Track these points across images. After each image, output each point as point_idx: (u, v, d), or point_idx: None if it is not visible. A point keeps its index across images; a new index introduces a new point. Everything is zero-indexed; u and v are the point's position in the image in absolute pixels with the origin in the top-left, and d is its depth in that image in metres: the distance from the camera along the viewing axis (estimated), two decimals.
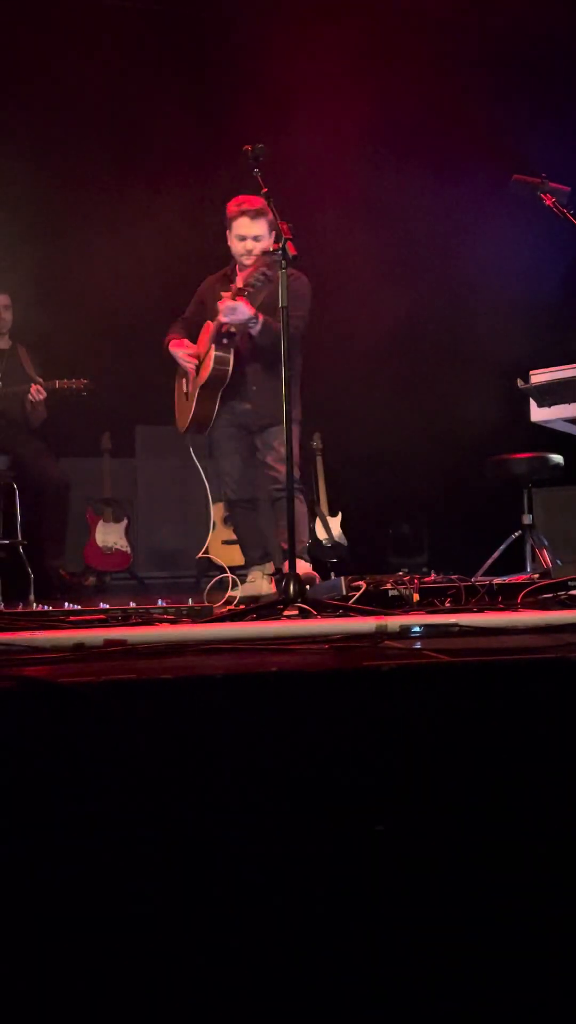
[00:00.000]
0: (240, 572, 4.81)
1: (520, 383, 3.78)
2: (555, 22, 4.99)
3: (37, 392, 4.17)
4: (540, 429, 3.95)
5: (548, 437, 4.14)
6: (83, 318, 5.31)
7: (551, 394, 3.64)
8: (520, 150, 4.75)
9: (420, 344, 5.55)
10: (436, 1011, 1.20)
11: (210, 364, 3.39)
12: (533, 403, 3.79)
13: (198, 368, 3.51)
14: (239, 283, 3.27)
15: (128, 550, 5.45)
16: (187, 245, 5.37)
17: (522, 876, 1.26)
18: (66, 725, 1.16)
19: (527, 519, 4.26)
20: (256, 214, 3.40)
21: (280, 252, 2.52)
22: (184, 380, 3.68)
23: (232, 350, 3.38)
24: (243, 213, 3.41)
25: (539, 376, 3.71)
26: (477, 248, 5.45)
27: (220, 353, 3.36)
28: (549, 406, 3.70)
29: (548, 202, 2.74)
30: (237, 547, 5.46)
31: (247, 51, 5.10)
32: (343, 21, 5.06)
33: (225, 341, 3.36)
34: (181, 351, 3.57)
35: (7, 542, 4.21)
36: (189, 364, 3.53)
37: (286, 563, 3.33)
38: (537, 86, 5.19)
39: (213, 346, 3.38)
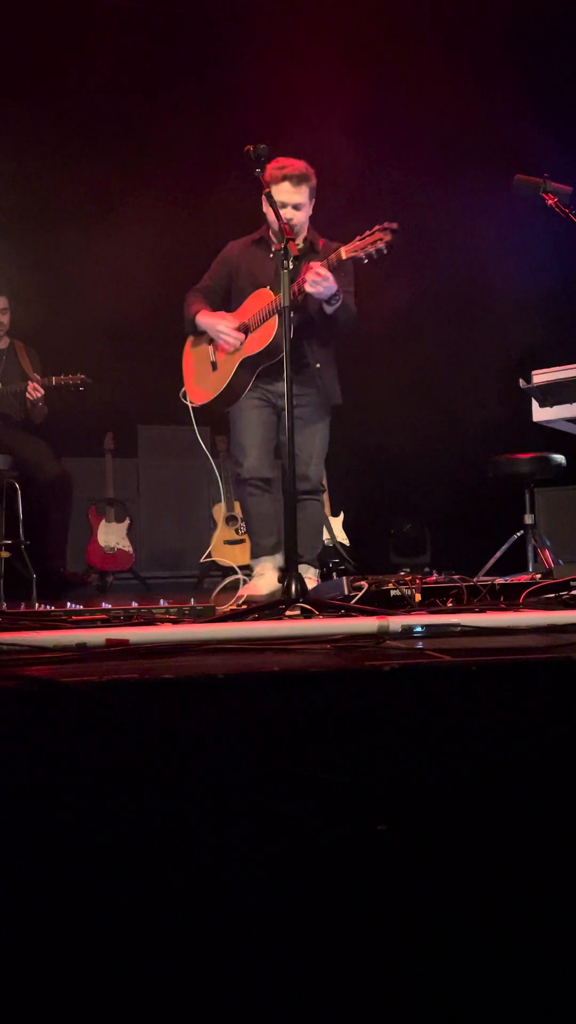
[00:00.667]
0: (243, 568, 4.72)
1: (522, 383, 3.79)
2: (557, 19, 4.98)
3: (35, 389, 4.17)
4: (542, 429, 3.96)
5: (550, 437, 4.15)
6: (85, 318, 5.32)
7: (553, 394, 3.64)
8: (522, 149, 4.75)
9: (422, 344, 5.55)
10: (439, 1015, 1.20)
11: (269, 337, 3.13)
12: (535, 403, 3.79)
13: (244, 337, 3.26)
14: (344, 255, 3.01)
15: (130, 550, 5.45)
16: (189, 243, 5.37)
17: (524, 876, 1.26)
18: (68, 725, 1.16)
19: (529, 519, 4.26)
20: (299, 179, 3.18)
21: (283, 252, 2.50)
22: (211, 348, 3.42)
23: (294, 325, 3.11)
24: (286, 178, 3.16)
25: (541, 376, 3.71)
26: (479, 248, 5.45)
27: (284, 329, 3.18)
28: (551, 406, 3.71)
29: (550, 202, 2.74)
30: (240, 547, 5.49)
31: (248, 48, 5.11)
32: (347, 19, 5.06)
33: (292, 313, 3.10)
34: (222, 323, 3.27)
35: (9, 542, 4.22)
36: (230, 337, 3.25)
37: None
38: (540, 85, 5.19)
39: (277, 316, 3.09)
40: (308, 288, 3.03)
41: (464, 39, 5.20)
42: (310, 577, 3.23)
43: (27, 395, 4.21)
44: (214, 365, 3.36)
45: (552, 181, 2.76)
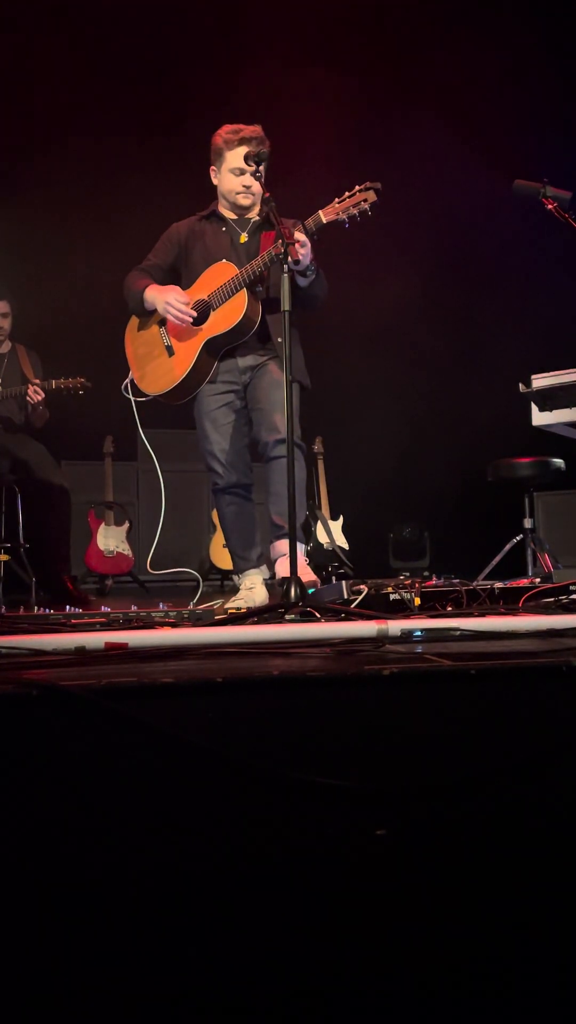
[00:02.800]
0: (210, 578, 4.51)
1: (522, 387, 3.79)
2: (558, 27, 5.00)
3: (35, 392, 4.17)
4: (542, 433, 3.96)
5: (549, 441, 4.15)
6: (86, 322, 5.32)
7: (552, 398, 3.64)
8: (522, 154, 4.76)
9: (422, 349, 5.56)
10: (440, 1019, 1.20)
11: (239, 313, 2.87)
12: (535, 407, 3.79)
13: (204, 318, 2.99)
14: (324, 218, 2.74)
15: (129, 553, 5.45)
16: None
17: (524, 880, 1.26)
18: (67, 728, 1.16)
19: (528, 523, 4.27)
20: (258, 143, 2.94)
21: (283, 255, 2.47)
22: (163, 331, 3.12)
23: (261, 297, 2.87)
24: (244, 142, 2.93)
25: (541, 380, 3.71)
26: (480, 254, 5.46)
27: (254, 301, 2.87)
28: (551, 410, 3.71)
29: (550, 206, 2.74)
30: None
31: (253, 46, 5.11)
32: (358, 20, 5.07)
33: (259, 288, 2.86)
34: (171, 295, 2.94)
35: (8, 545, 4.22)
36: (180, 312, 2.94)
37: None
38: (541, 91, 5.20)
39: (245, 291, 2.86)
40: (297, 255, 2.69)
41: (470, 39, 5.21)
42: (300, 559, 2.88)
43: (27, 398, 4.21)
44: (170, 350, 3.06)
45: (552, 186, 2.76)
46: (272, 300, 2.94)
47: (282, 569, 2.81)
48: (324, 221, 2.76)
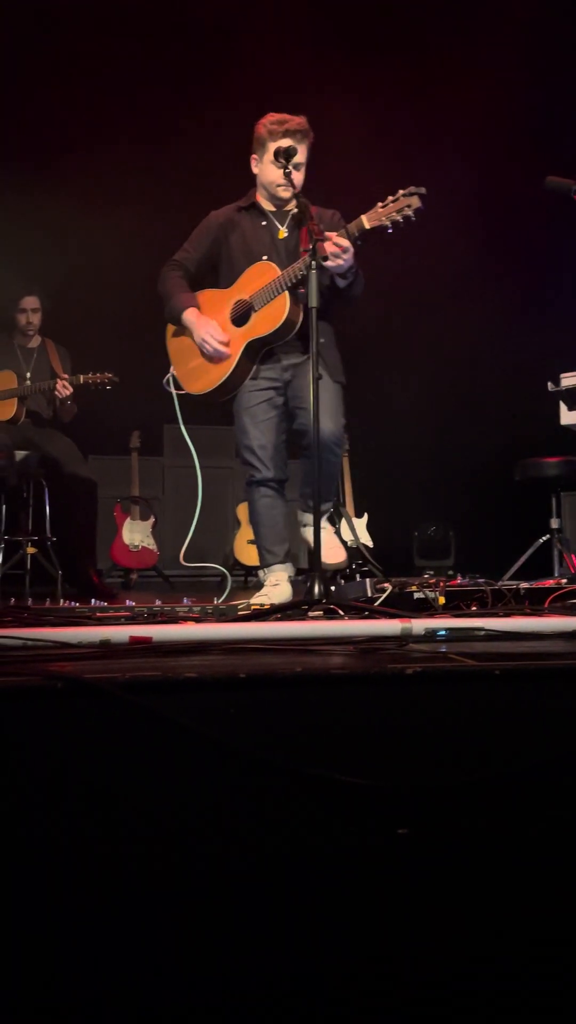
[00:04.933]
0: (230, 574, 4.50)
1: (551, 386, 3.75)
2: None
3: (63, 387, 4.20)
4: (570, 433, 3.92)
5: None
6: (113, 316, 5.35)
7: None
8: (556, 149, 4.71)
9: (449, 345, 5.52)
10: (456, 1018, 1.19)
11: (281, 316, 2.83)
12: (563, 406, 3.75)
13: (241, 319, 2.99)
14: (367, 224, 2.70)
15: (155, 548, 5.48)
16: None
17: (545, 881, 1.25)
18: (91, 721, 1.17)
19: (555, 523, 4.23)
20: (302, 136, 2.90)
21: (311, 252, 2.47)
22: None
23: (302, 302, 2.80)
24: (288, 133, 2.87)
25: (570, 379, 3.68)
26: (509, 250, 5.41)
27: (295, 304, 2.84)
28: None
29: None
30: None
31: (272, 47, 5.10)
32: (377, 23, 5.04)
33: (302, 290, 2.78)
34: (209, 330, 2.96)
35: (35, 539, 4.26)
36: (213, 350, 2.96)
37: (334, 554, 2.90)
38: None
39: (287, 294, 2.82)
40: (326, 263, 2.70)
41: (494, 38, 5.16)
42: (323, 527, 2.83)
43: (56, 393, 4.24)
44: (213, 358, 3.06)
45: None
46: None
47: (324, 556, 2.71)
48: (367, 227, 2.71)
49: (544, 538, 4.22)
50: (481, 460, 5.55)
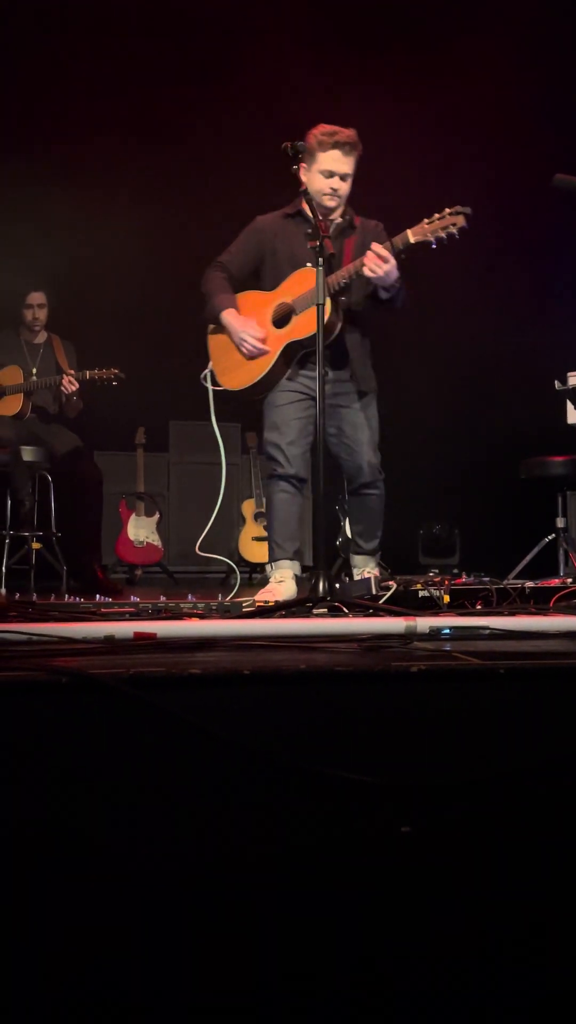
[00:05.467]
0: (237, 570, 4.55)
1: (557, 385, 3.74)
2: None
3: (69, 383, 4.20)
4: None
5: None
6: (118, 313, 5.35)
7: None
8: (566, 146, 4.69)
9: (456, 343, 5.51)
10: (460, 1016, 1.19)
11: (315, 324, 2.91)
12: (570, 405, 3.74)
13: (282, 321, 3.07)
14: (412, 238, 2.79)
15: (159, 544, 5.48)
16: (224, 239, 5.38)
17: (547, 880, 1.25)
18: (96, 716, 1.17)
19: (561, 522, 4.22)
20: (351, 148, 2.99)
21: (318, 249, 2.49)
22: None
23: (341, 314, 2.94)
24: (337, 145, 2.97)
25: None
26: (517, 247, 5.39)
27: (335, 310, 2.93)
28: None
29: None
30: (267, 543, 5.48)
31: (275, 42, 5.09)
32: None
33: (343, 298, 2.91)
34: (248, 330, 3.05)
35: (41, 534, 4.27)
36: (252, 348, 3.05)
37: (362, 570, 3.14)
38: None
39: (329, 300, 2.84)
40: (368, 273, 2.80)
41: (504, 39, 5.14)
42: (371, 571, 3.11)
43: (62, 388, 4.25)
44: (249, 356, 3.14)
45: None
46: (353, 312, 3.06)
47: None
48: (412, 241, 2.79)
49: (550, 537, 4.21)
50: (487, 458, 5.54)
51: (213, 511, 3.38)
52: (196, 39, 5.28)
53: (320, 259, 2.48)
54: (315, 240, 2.50)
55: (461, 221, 2.71)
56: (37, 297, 4.50)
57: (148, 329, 5.57)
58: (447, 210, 2.74)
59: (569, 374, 3.71)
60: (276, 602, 2.62)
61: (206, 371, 3.23)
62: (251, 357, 3.08)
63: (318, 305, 2.47)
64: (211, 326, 3.28)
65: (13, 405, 4.36)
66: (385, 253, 2.76)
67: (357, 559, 3.22)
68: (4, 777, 1.13)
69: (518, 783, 1.24)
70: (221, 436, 3.28)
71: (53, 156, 5.14)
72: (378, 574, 3.12)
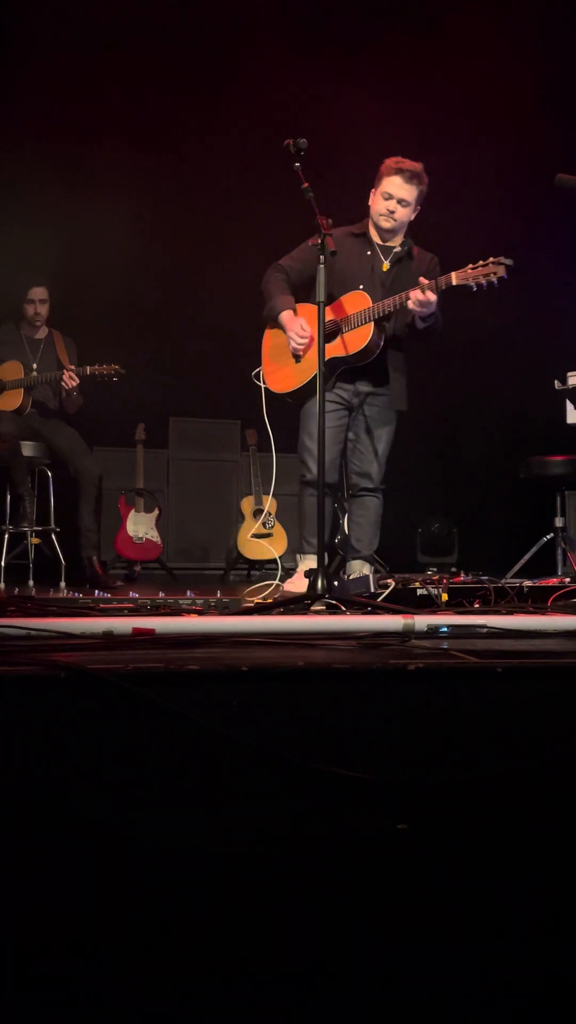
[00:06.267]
0: (268, 562, 4.79)
1: (557, 384, 3.75)
2: None
3: (70, 378, 4.20)
4: None
5: None
6: (118, 309, 5.35)
7: None
8: (568, 146, 4.69)
9: (456, 342, 5.50)
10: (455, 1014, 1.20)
11: (363, 342, 3.21)
12: (570, 405, 3.75)
13: (332, 337, 3.28)
14: (455, 281, 3.06)
15: (158, 540, 5.48)
16: (226, 238, 5.38)
17: (543, 878, 1.25)
18: (94, 711, 1.17)
19: (560, 522, 4.22)
20: (411, 177, 3.29)
21: (320, 246, 2.52)
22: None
23: (385, 334, 3.24)
24: (399, 172, 3.28)
25: None
26: (518, 246, 5.38)
27: (378, 334, 3.22)
28: None
29: None
30: (266, 541, 5.51)
31: (286, 36, 5.08)
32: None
33: (386, 323, 3.23)
34: (297, 327, 3.26)
35: (40, 528, 4.27)
36: (298, 345, 3.27)
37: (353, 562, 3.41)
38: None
39: (373, 324, 3.19)
40: (411, 307, 3.10)
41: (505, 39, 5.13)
42: (366, 573, 3.29)
43: (62, 384, 4.25)
44: (297, 358, 3.35)
45: None
46: (395, 337, 3.34)
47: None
48: (454, 283, 3.06)
49: (548, 536, 4.21)
50: (486, 457, 5.54)
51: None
52: (194, 35, 5.27)
53: (322, 256, 2.51)
54: (318, 239, 2.55)
55: (502, 271, 2.94)
56: (39, 292, 4.49)
57: (148, 325, 5.57)
58: (491, 259, 2.98)
59: (569, 374, 3.72)
60: (274, 600, 2.63)
61: (257, 370, 3.48)
62: (295, 354, 3.32)
63: (319, 303, 2.51)
64: (266, 330, 3.50)
65: (13, 400, 4.36)
66: (432, 296, 3.05)
67: (354, 564, 3.45)
68: (2, 771, 1.14)
69: (515, 781, 1.24)
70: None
71: (54, 152, 5.13)
72: (366, 571, 3.33)
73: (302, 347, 3.28)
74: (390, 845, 1.20)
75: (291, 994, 1.17)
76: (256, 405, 3.41)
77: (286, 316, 3.32)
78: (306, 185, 2.69)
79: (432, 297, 3.05)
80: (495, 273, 2.95)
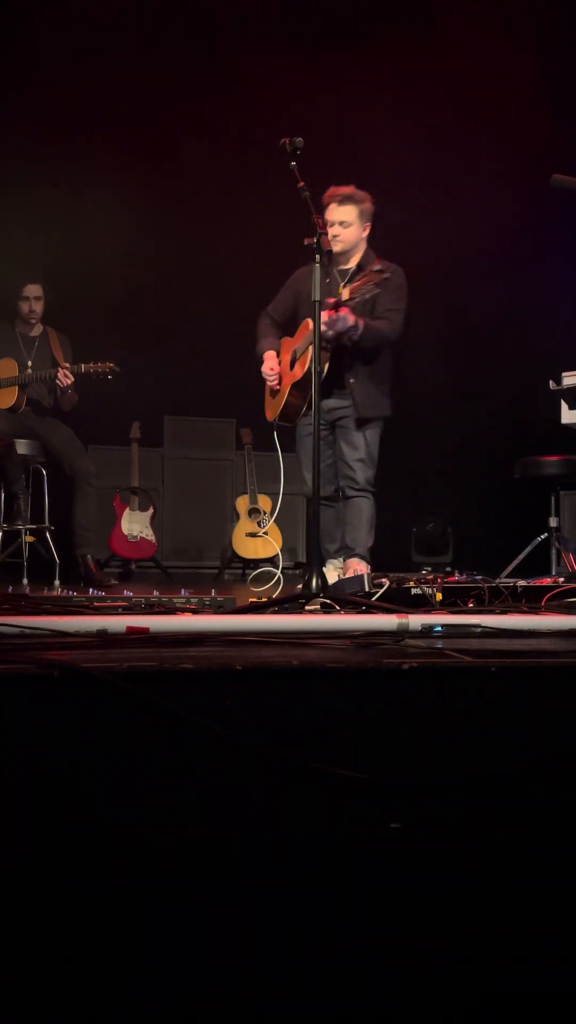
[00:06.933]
0: (263, 561, 4.85)
1: (552, 384, 3.75)
2: None
3: (64, 376, 4.20)
4: (571, 431, 3.92)
5: None
6: (114, 307, 5.34)
7: None
8: (564, 146, 4.69)
9: (450, 342, 5.51)
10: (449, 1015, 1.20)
11: (306, 365, 3.46)
12: (564, 405, 3.75)
13: (292, 363, 3.60)
14: (345, 295, 3.29)
15: (153, 539, 5.48)
16: (222, 235, 5.38)
17: (537, 878, 1.25)
18: (88, 710, 1.17)
19: (554, 522, 4.23)
20: (343, 199, 3.51)
21: (316, 245, 2.53)
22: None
23: (329, 352, 3.46)
24: (332, 199, 3.52)
25: (571, 378, 3.68)
26: (511, 247, 5.40)
27: (323, 355, 3.43)
28: None
29: None
30: (261, 540, 5.51)
31: (285, 35, 5.07)
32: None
33: (325, 344, 3.42)
34: (267, 364, 3.64)
35: (34, 527, 4.27)
36: (268, 378, 3.63)
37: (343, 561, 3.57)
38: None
39: (311, 347, 3.41)
40: (322, 327, 3.34)
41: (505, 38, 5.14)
42: (364, 569, 3.46)
43: (57, 382, 4.24)
44: (272, 391, 3.73)
45: None
46: (351, 352, 3.53)
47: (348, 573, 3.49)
48: (344, 298, 3.29)
49: (542, 536, 4.22)
50: (481, 457, 5.55)
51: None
52: (191, 34, 5.27)
53: (317, 256, 2.52)
54: (312, 238, 2.57)
55: (379, 278, 3.18)
56: (34, 289, 4.48)
57: (144, 324, 5.57)
58: (370, 268, 3.24)
59: (564, 374, 3.72)
60: (269, 598, 2.63)
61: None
62: (272, 390, 3.66)
63: (315, 302, 2.52)
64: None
65: (8, 398, 4.35)
66: (332, 315, 3.27)
67: (349, 561, 3.60)
68: None
69: (509, 780, 1.25)
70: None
71: (49, 150, 5.12)
72: (359, 566, 3.50)
73: (272, 382, 3.62)
74: (384, 844, 1.21)
75: (287, 992, 1.17)
76: (252, 406, 3.67)
77: (265, 356, 3.67)
78: (302, 184, 2.70)
79: (331, 314, 3.24)
80: (373, 281, 3.18)
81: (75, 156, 5.18)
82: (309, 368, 3.36)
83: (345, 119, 5.16)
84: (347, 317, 3.32)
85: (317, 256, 2.55)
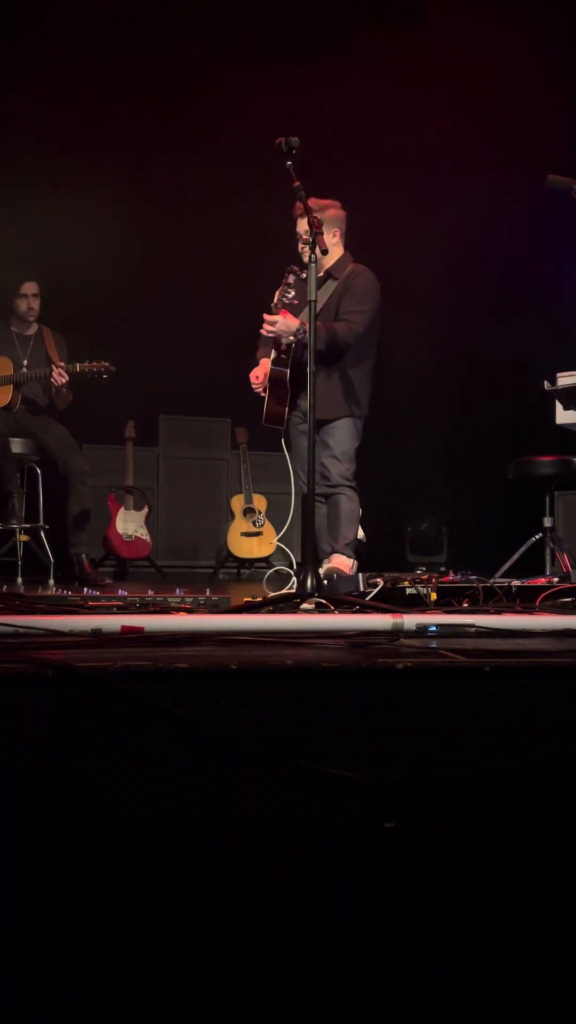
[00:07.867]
0: (258, 560, 4.89)
1: (547, 384, 3.76)
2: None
3: (59, 375, 4.19)
4: (565, 432, 3.93)
5: (573, 440, 4.11)
6: (109, 306, 5.34)
7: None
8: (558, 146, 4.70)
9: (445, 342, 5.52)
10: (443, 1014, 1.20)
11: (266, 369, 3.63)
12: (559, 405, 3.76)
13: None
14: (275, 299, 3.42)
15: (148, 538, 5.47)
16: (217, 235, 5.37)
17: (529, 876, 1.26)
18: (82, 710, 1.17)
19: (548, 522, 4.24)
20: (303, 213, 3.57)
21: (310, 244, 2.54)
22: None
23: (289, 356, 3.55)
24: (300, 215, 3.55)
25: (566, 378, 3.68)
26: (507, 248, 5.41)
27: (276, 366, 3.60)
28: (575, 409, 3.67)
29: None
30: (256, 539, 5.52)
31: (284, 33, 5.07)
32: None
33: (283, 349, 3.58)
34: (252, 374, 3.76)
35: (28, 526, 4.26)
36: (255, 388, 3.73)
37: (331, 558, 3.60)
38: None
39: (273, 354, 3.57)
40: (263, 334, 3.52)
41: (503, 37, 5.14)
42: (342, 563, 3.54)
43: (52, 380, 4.23)
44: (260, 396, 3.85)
45: None
46: (301, 347, 3.57)
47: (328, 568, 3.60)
48: (274, 302, 3.50)
49: (537, 536, 4.23)
50: (476, 457, 5.56)
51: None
52: (188, 34, 5.27)
53: (311, 255, 2.54)
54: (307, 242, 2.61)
55: (294, 271, 3.37)
56: (31, 287, 4.47)
57: (139, 323, 5.56)
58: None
59: (559, 375, 3.73)
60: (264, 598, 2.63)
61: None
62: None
63: (310, 302, 2.53)
64: None
65: (3, 397, 4.34)
66: (269, 318, 3.43)
67: (333, 556, 3.66)
68: None
69: (502, 780, 1.25)
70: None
71: (47, 148, 5.11)
72: (338, 561, 3.55)
73: (256, 388, 3.75)
74: (377, 843, 1.21)
75: (281, 990, 1.17)
76: (249, 405, 3.67)
77: (261, 363, 3.75)
78: (297, 184, 2.70)
79: (268, 318, 3.42)
80: (291, 274, 3.36)
81: (72, 155, 5.17)
82: (269, 378, 3.60)
83: (341, 119, 5.16)
84: (285, 320, 3.44)
85: (311, 255, 2.55)
